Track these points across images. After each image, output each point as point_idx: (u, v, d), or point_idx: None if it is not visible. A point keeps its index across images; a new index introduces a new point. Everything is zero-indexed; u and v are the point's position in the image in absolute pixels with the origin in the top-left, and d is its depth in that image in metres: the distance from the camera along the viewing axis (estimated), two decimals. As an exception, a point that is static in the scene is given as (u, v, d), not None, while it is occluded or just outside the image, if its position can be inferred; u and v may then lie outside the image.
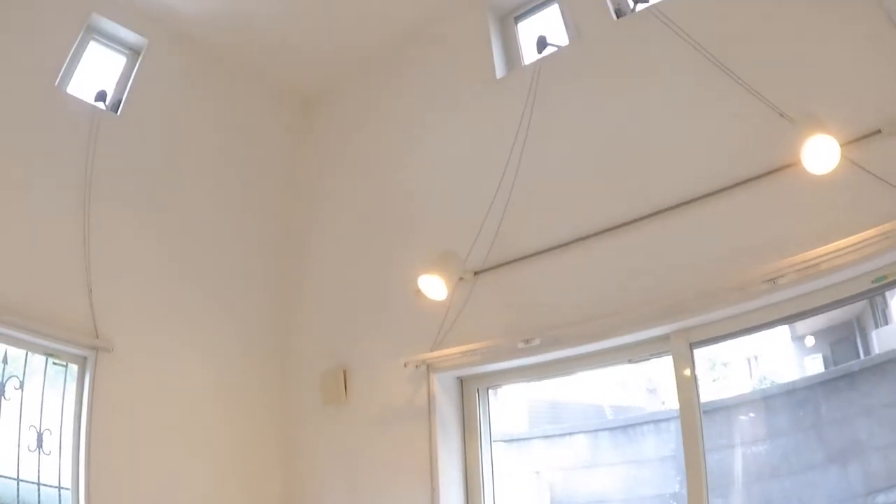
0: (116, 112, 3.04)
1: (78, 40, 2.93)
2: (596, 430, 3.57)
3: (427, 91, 3.31)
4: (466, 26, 3.20)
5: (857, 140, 1.93)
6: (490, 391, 2.80)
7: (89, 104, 2.92)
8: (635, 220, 2.32)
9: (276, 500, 3.11)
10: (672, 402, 2.31)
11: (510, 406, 3.57)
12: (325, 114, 3.82)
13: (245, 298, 3.30)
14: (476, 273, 2.68)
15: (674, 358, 2.23)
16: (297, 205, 3.69)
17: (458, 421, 2.75)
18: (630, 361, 2.43)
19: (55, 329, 2.56)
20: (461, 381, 2.80)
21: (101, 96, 2.96)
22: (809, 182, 1.94)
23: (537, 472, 3.45)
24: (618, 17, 2.74)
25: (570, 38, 2.87)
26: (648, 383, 3.57)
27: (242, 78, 3.64)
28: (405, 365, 2.68)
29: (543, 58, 2.84)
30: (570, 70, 2.76)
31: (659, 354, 2.32)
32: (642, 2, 2.64)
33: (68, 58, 2.88)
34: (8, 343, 2.52)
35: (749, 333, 2.24)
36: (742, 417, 2.77)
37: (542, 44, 2.84)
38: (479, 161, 2.87)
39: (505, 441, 3.35)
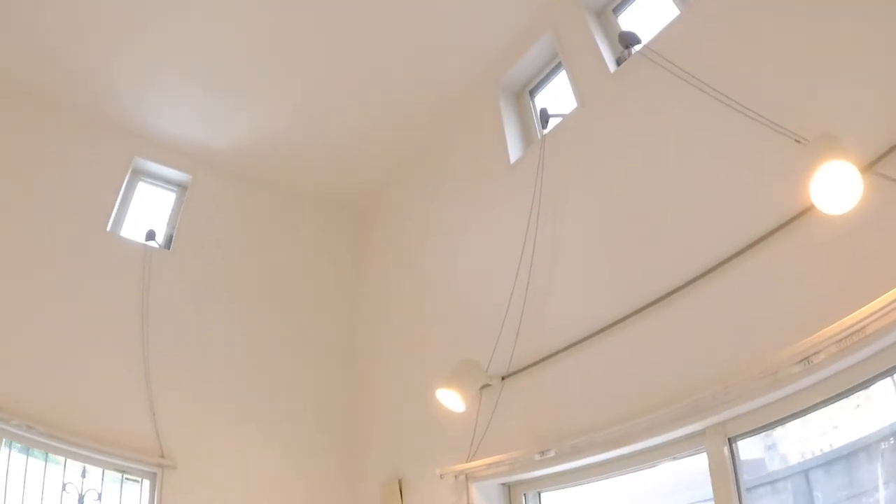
0: (169, 248, 3.34)
1: (126, 183, 3.29)
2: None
3: (452, 188, 3.41)
4: (481, 112, 3.19)
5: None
6: (541, 494, 2.62)
7: (140, 244, 3.23)
8: (645, 307, 2.15)
9: None
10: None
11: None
12: (374, 220, 4.01)
13: (306, 411, 3.46)
14: (503, 378, 2.58)
15: (709, 455, 1.97)
16: (356, 314, 3.87)
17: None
18: (674, 458, 2.17)
19: (125, 450, 2.93)
20: (508, 487, 2.65)
21: (150, 235, 3.27)
22: (833, 225, 1.66)
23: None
24: (618, 65, 2.57)
25: (575, 103, 2.73)
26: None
27: (289, 197, 3.97)
28: (441, 476, 2.64)
29: (548, 133, 2.73)
30: (574, 139, 2.65)
31: (695, 452, 2.06)
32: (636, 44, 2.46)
33: (117, 202, 3.25)
34: (87, 462, 2.93)
35: (797, 418, 1.91)
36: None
37: (544, 117, 2.72)
38: (499, 257, 2.82)
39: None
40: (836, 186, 1.52)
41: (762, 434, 2.07)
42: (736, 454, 1.98)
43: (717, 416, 1.93)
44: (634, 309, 2.16)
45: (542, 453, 2.21)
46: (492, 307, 2.73)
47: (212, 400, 3.23)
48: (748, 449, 2.05)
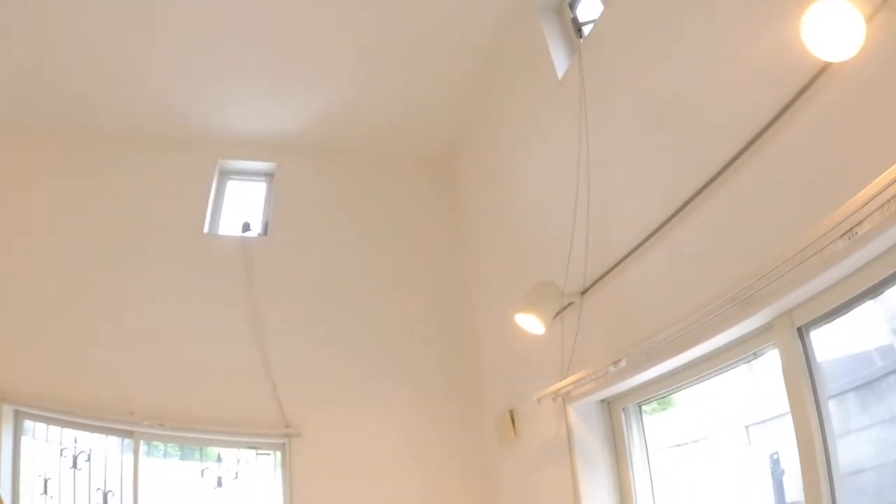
0: (266, 234, 3.68)
1: (215, 185, 3.67)
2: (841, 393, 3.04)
3: (514, 116, 3.46)
4: (527, 36, 3.21)
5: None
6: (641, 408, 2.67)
7: (238, 237, 3.60)
8: (697, 194, 2.09)
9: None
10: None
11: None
12: (455, 163, 4.15)
13: (418, 359, 3.73)
14: (582, 293, 2.63)
15: (779, 350, 1.92)
16: (456, 256, 4.05)
17: (607, 445, 2.71)
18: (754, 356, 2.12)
19: (253, 428, 3.41)
20: (607, 403, 2.73)
21: (246, 227, 3.64)
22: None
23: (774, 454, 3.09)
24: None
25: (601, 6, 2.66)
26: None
27: (371, 161, 4.17)
28: (539, 401, 2.76)
29: (584, 41, 2.69)
30: (608, 42, 2.62)
31: (767, 348, 2.01)
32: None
33: (209, 204, 3.62)
34: (221, 446, 3.47)
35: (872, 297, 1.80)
36: None
37: (577, 27, 2.68)
38: (562, 175, 2.82)
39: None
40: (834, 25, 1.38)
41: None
42: (810, 350, 1.89)
43: (780, 302, 1.86)
44: (689, 198, 2.11)
45: (615, 363, 2.25)
46: (560, 226, 2.79)
47: (327, 365, 3.62)
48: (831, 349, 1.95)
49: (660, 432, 2.69)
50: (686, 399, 2.66)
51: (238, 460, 3.53)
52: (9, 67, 3.46)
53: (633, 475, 2.58)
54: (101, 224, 3.85)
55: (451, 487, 3.50)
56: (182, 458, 3.60)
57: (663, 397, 2.58)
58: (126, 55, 3.42)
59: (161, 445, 3.63)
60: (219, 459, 3.50)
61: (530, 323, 2.55)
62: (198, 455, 3.61)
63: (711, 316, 1.95)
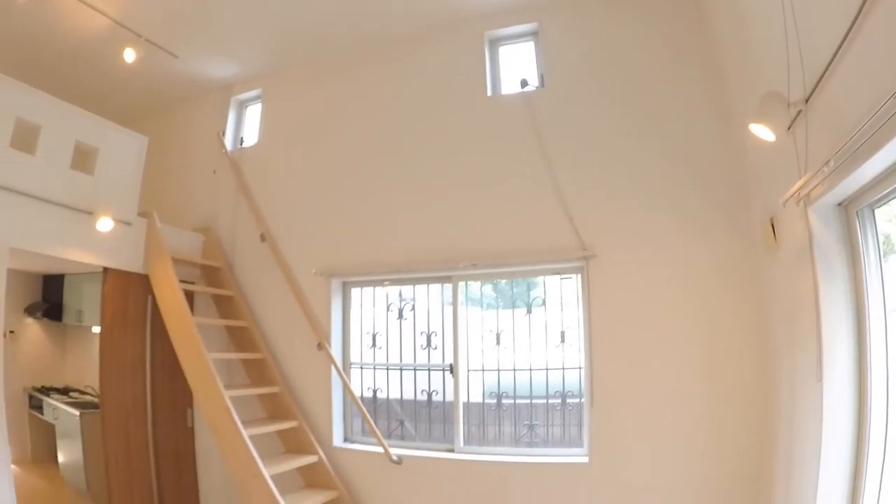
0: (543, 85, 4.48)
1: (487, 54, 4.49)
2: None
3: None
4: None
5: None
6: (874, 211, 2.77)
7: (519, 93, 4.43)
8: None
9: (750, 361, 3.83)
10: None
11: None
12: None
13: (692, 182, 4.12)
14: (806, 100, 2.78)
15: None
16: (712, 82, 4.19)
17: (843, 248, 2.81)
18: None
19: (555, 254, 4.30)
20: (844, 207, 2.88)
21: (524, 83, 4.42)
22: None
23: None
24: None
25: None
26: None
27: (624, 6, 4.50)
28: (783, 205, 2.96)
29: None
30: None
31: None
32: None
33: (487, 72, 4.47)
34: (528, 276, 4.52)
35: None
36: None
37: None
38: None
39: None
40: None
41: None
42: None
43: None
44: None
45: (827, 163, 2.36)
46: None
47: (611, 198, 4.26)
48: None
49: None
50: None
51: (544, 287, 4.53)
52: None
53: (867, 279, 2.66)
54: (399, 111, 5.19)
55: (725, 300, 3.91)
56: (495, 295, 4.72)
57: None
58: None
59: (476, 286, 4.82)
60: (528, 287, 4.54)
61: (762, 132, 2.86)
62: (508, 290, 4.68)
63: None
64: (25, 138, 4.57)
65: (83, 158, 5.05)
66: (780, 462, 3.38)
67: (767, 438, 3.63)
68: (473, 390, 4.80)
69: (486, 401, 4.78)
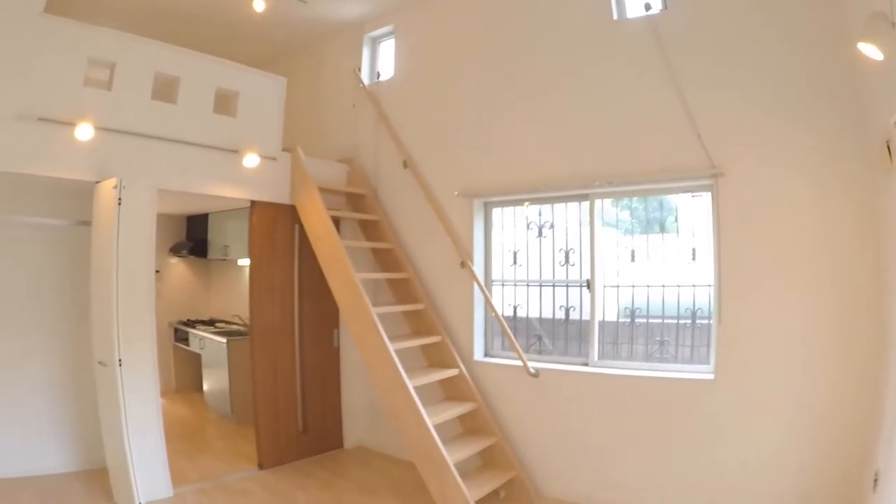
0: (666, 7, 5.17)
1: None
2: None
3: None
4: None
5: None
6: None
7: (643, 16, 5.20)
8: None
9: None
10: None
11: None
12: None
13: (827, 104, 4.56)
14: None
15: None
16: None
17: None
18: None
19: (684, 173, 5.04)
20: None
21: (647, 7, 5.11)
22: None
23: None
24: None
25: None
26: None
27: None
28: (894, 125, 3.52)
29: None
30: None
31: None
32: None
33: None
34: (659, 194, 5.35)
35: None
36: None
37: None
38: None
39: None
40: None
41: None
42: None
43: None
44: None
45: None
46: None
47: (740, 116, 4.83)
48: None
49: None
50: None
51: (675, 205, 5.35)
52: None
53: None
54: (528, 38, 6.06)
55: (853, 222, 4.40)
56: (629, 216, 5.56)
57: None
58: None
59: (611, 208, 5.72)
60: (660, 206, 5.35)
61: (870, 51, 3.42)
62: (641, 211, 5.53)
63: None
64: (166, 90, 5.89)
65: (225, 102, 6.38)
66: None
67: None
68: (608, 309, 5.74)
69: (620, 319, 5.68)
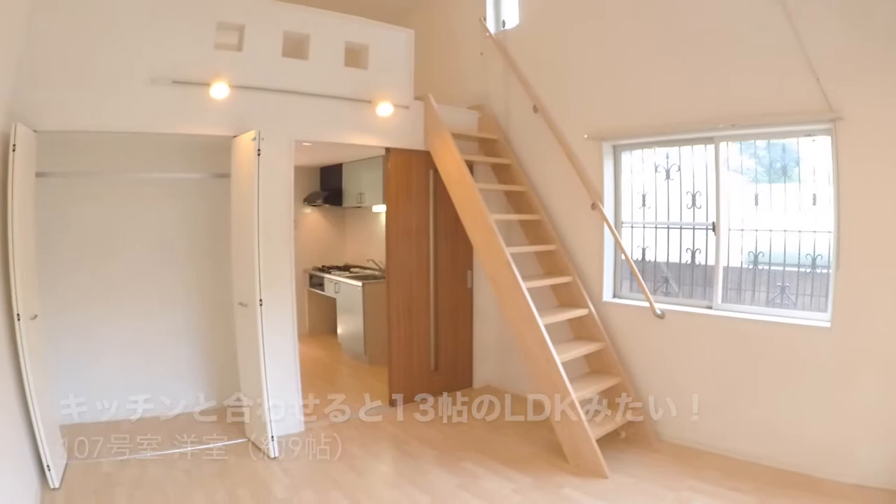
0: None
1: None
2: None
3: None
4: None
5: None
6: None
7: None
8: None
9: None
10: None
11: None
12: None
13: None
14: None
15: None
16: None
17: None
18: None
19: (802, 117, 5.64)
20: None
21: None
22: None
23: None
24: None
25: None
26: None
27: None
28: None
29: None
30: None
31: None
32: None
33: None
34: (781, 137, 6.12)
35: None
36: None
37: None
38: None
39: None
40: None
41: None
42: None
43: None
44: None
45: None
46: None
47: (860, 61, 5.29)
48: None
49: None
50: None
51: (797, 150, 6.05)
52: None
53: None
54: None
55: None
56: (753, 161, 6.37)
57: None
58: None
59: (735, 154, 6.48)
60: (783, 152, 6.14)
61: None
62: (765, 155, 6.32)
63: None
64: (297, 47, 7.13)
65: (355, 56, 7.65)
66: None
67: None
68: (732, 255, 6.58)
69: (743, 265, 6.52)
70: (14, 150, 5.05)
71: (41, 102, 5.67)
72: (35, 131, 5.61)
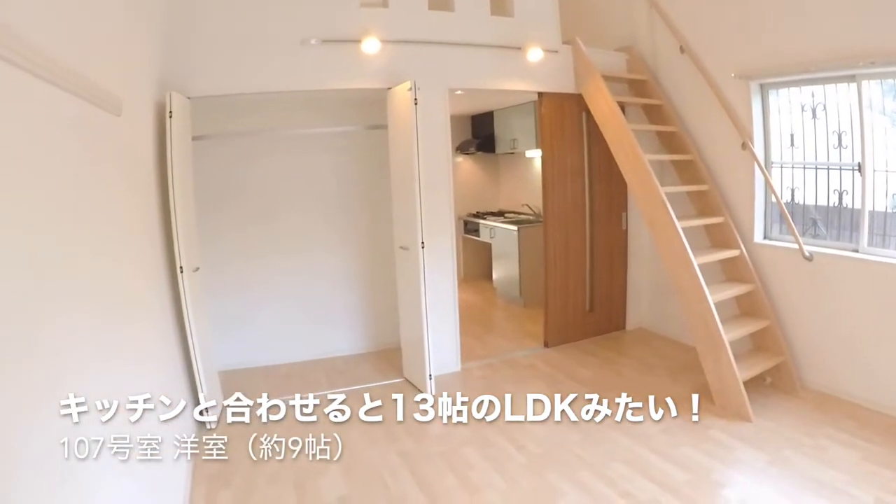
0: None
1: None
2: None
3: None
4: None
5: None
6: None
7: None
8: None
9: None
10: None
11: None
12: None
13: None
14: None
15: None
16: None
17: None
18: None
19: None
20: None
21: None
22: None
23: None
24: None
25: None
26: None
27: None
28: None
29: None
30: None
31: None
32: None
33: None
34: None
35: None
36: None
37: None
38: None
39: None
40: None
41: None
42: None
43: None
44: None
45: None
46: None
47: None
48: None
49: None
50: None
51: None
52: None
53: None
54: None
55: None
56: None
57: None
58: None
59: (878, 93, 6.45)
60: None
61: None
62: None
63: None
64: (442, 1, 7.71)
65: (501, 4, 8.02)
66: None
67: None
68: (878, 198, 6.59)
69: (888, 210, 6.54)
70: (171, 117, 5.72)
71: (194, 70, 6.47)
72: (189, 98, 6.37)
